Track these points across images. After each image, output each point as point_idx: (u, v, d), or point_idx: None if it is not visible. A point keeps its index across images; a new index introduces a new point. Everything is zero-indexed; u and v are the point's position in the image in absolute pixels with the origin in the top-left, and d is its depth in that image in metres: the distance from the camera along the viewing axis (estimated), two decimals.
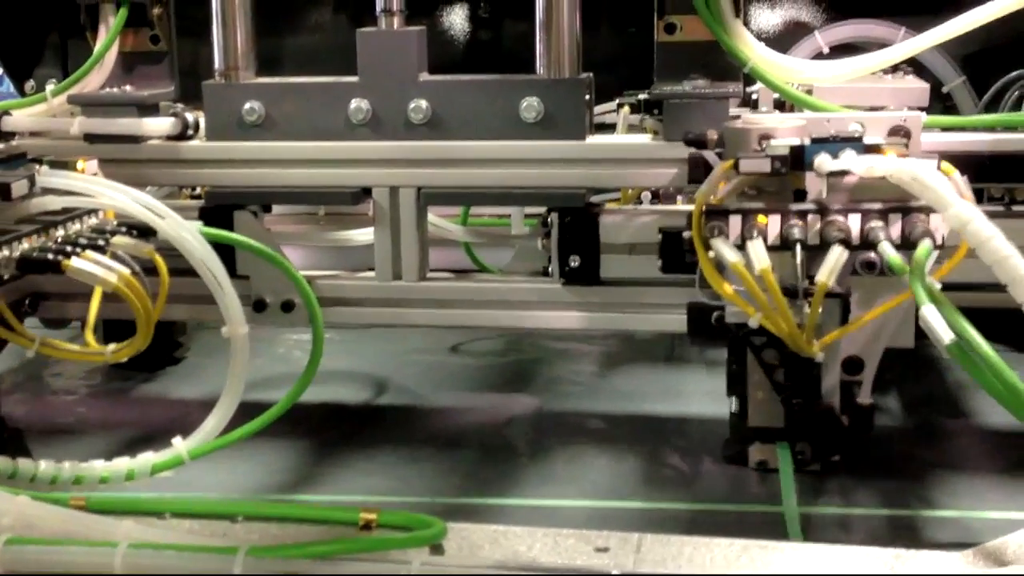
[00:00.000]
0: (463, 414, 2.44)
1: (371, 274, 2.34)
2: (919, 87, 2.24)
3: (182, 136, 2.35)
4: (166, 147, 2.35)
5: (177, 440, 1.88)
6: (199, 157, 2.34)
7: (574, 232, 2.22)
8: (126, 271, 1.80)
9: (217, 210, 2.31)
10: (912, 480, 2.03)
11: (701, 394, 2.50)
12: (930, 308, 1.45)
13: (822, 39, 2.70)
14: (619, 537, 1.44)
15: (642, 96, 2.62)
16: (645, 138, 2.28)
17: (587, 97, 2.24)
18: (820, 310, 1.82)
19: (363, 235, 2.54)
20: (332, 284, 2.34)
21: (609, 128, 2.61)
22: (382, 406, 2.53)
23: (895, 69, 2.38)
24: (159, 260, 1.87)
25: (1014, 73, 2.46)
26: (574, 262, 2.21)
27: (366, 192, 2.29)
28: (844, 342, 1.97)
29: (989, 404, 2.34)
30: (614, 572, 1.27)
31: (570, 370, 2.70)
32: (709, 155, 2.03)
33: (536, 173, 2.22)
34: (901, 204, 1.78)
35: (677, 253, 2.06)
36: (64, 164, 2.16)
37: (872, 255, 1.86)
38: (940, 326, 1.43)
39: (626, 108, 2.69)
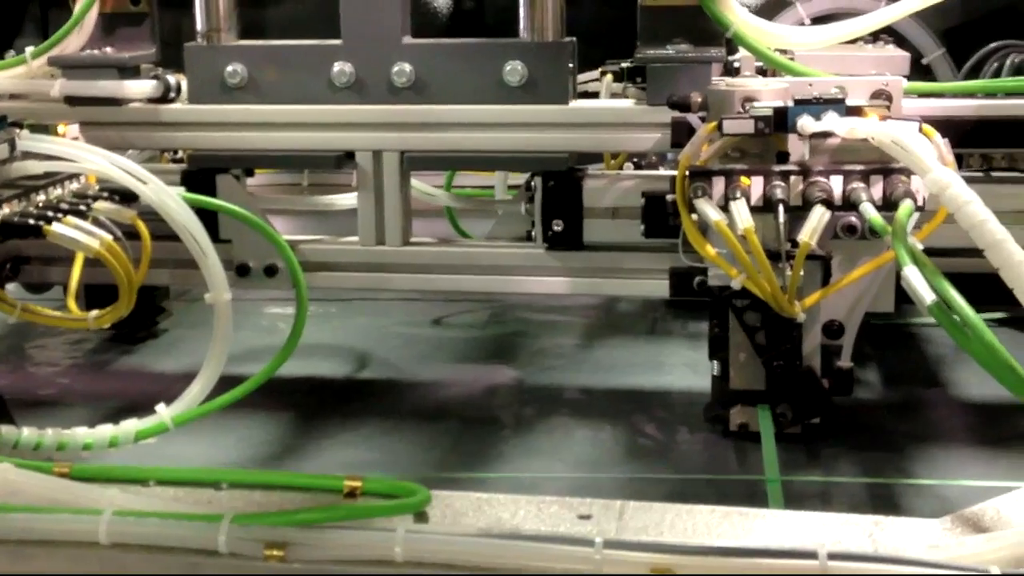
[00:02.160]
0: (446, 387, 2.43)
1: (354, 239, 2.34)
2: (900, 55, 2.24)
3: (164, 99, 2.34)
4: (147, 110, 2.34)
5: (161, 407, 1.88)
6: (181, 120, 2.34)
7: (557, 196, 2.22)
8: (108, 237, 1.79)
9: (199, 174, 2.30)
10: (891, 451, 2.04)
11: (682, 366, 2.50)
12: (912, 269, 1.45)
13: (803, 10, 2.71)
14: (602, 504, 1.45)
15: (625, 65, 2.62)
16: (628, 102, 2.28)
17: (570, 64, 2.24)
18: (802, 272, 1.82)
19: (346, 200, 2.54)
20: (315, 249, 2.34)
21: (592, 96, 2.61)
22: (365, 379, 2.52)
23: (875, 40, 2.38)
24: (141, 226, 1.87)
25: (993, 44, 2.48)
26: (557, 226, 2.22)
27: (349, 156, 2.29)
28: (825, 306, 1.98)
29: (968, 377, 2.37)
30: (597, 539, 1.27)
31: (552, 343, 2.70)
32: (692, 119, 2.04)
33: (520, 137, 2.22)
34: (883, 165, 1.79)
35: (660, 217, 2.07)
36: (45, 127, 2.15)
37: (853, 219, 1.87)
38: (922, 286, 1.44)
39: (609, 76, 2.69)
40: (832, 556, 1.23)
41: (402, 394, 2.41)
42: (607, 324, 2.82)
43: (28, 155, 1.90)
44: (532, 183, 2.25)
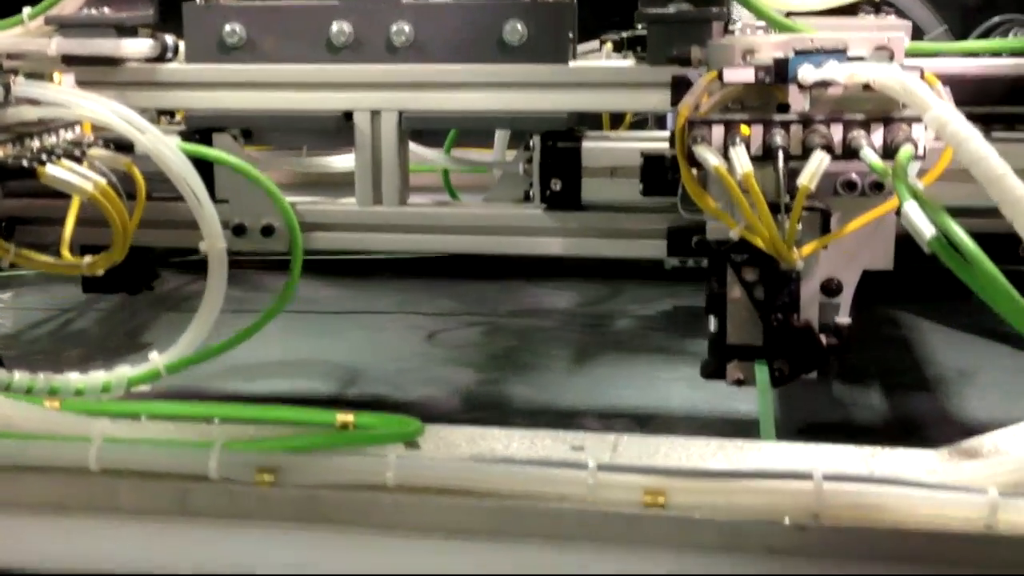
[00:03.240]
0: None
1: (351, 200, 2.33)
2: (902, 22, 2.23)
3: (161, 59, 2.33)
4: (144, 69, 2.32)
5: (153, 354, 1.88)
6: (178, 80, 2.32)
7: (556, 156, 2.20)
8: (103, 180, 1.79)
9: (196, 134, 2.29)
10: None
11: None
12: (912, 204, 1.45)
13: None
14: (596, 437, 1.45)
15: (626, 34, 2.61)
16: (629, 62, 2.27)
17: (571, 26, 2.23)
18: (800, 223, 1.81)
19: (343, 161, 2.53)
20: (311, 209, 2.32)
21: None
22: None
23: (878, 11, 2.37)
24: (136, 172, 1.86)
25: (996, 19, 2.47)
26: (555, 186, 2.21)
27: (347, 117, 2.28)
28: (823, 264, 1.97)
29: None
30: (590, 463, 1.26)
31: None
32: (693, 76, 2.03)
33: (519, 97, 2.20)
34: (884, 115, 1.78)
35: (658, 175, 2.07)
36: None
37: (853, 175, 1.86)
38: (922, 222, 1.43)
39: (609, 44, 2.68)
40: (828, 478, 1.22)
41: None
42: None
43: (23, 101, 1.90)
44: (531, 143, 2.24)
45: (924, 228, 1.43)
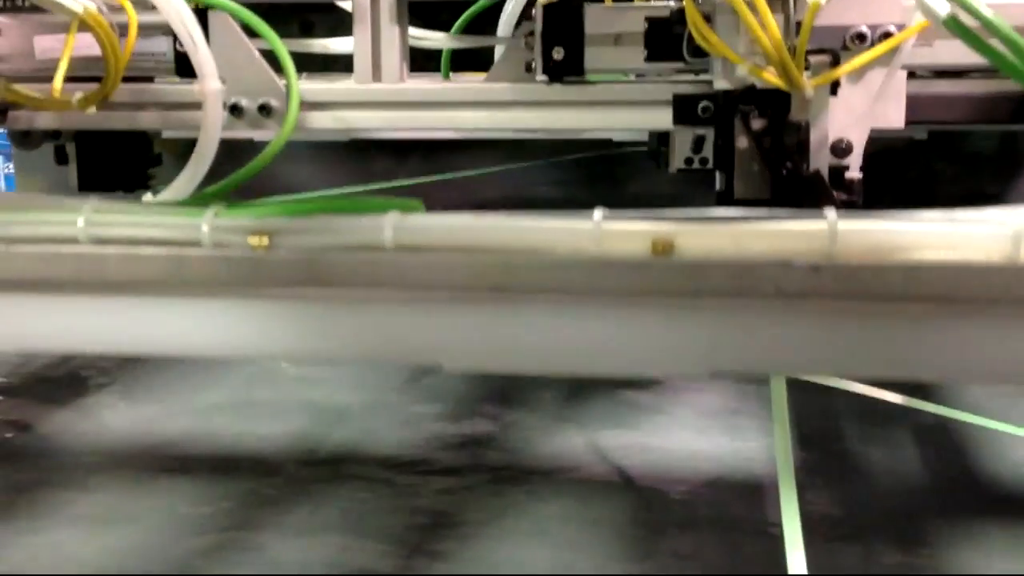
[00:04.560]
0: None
1: (350, 79, 2.29)
2: None
3: None
4: None
5: (148, 196, 1.83)
6: None
7: (558, 23, 2.17)
8: (92, 6, 1.75)
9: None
10: None
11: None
12: None
13: None
14: None
15: None
16: None
17: None
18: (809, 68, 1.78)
19: (341, 44, 2.49)
20: (310, 88, 2.28)
21: None
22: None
23: None
24: (127, 4, 1.82)
25: None
26: (557, 55, 2.17)
27: None
28: (832, 123, 1.93)
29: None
30: (596, 214, 1.22)
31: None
32: None
33: None
34: None
35: (664, 38, 2.04)
36: None
37: (863, 27, 1.83)
38: (935, 1, 1.39)
39: None
40: (842, 218, 1.18)
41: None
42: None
43: None
44: (533, 12, 2.20)
45: (939, 8, 1.39)
